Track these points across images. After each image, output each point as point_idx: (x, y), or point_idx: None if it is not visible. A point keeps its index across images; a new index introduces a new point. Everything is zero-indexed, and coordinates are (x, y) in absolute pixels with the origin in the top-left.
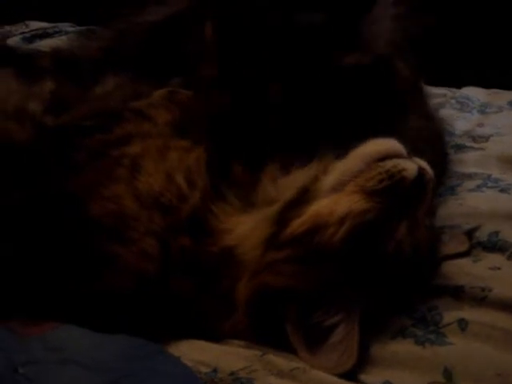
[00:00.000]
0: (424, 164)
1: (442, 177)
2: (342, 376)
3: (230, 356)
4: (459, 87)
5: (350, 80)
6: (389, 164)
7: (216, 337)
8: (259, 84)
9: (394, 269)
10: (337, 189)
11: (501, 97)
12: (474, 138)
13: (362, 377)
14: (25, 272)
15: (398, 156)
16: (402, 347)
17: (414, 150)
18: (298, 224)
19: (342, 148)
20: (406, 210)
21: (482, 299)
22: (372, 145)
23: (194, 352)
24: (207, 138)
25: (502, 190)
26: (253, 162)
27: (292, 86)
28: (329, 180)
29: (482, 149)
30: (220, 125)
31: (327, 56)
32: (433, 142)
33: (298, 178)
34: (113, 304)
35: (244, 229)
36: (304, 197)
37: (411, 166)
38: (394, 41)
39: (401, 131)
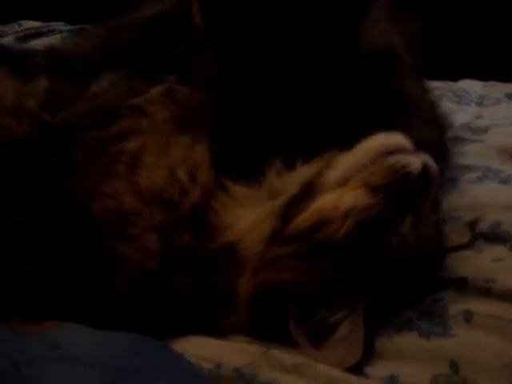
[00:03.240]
0: (428, 159)
1: (443, 169)
2: (347, 370)
3: (233, 352)
4: (454, 80)
5: (353, 74)
6: (393, 159)
7: (219, 333)
8: (262, 76)
9: (398, 263)
10: (341, 183)
11: (498, 89)
12: (473, 130)
13: (368, 370)
14: (26, 271)
15: (403, 151)
16: (408, 340)
17: (418, 143)
18: (302, 219)
19: (348, 142)
20: (411, 205)
21: (486, 290)
22: (377, 139)
23: (196, 348)
24: (209, 134)
25: (503, 181)
26: (256, 158)
27: (296, 80)
28: (333, 175)
29: (481, 141)
30: (221, 120)
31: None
32: (436, 134)
33: (302, 173)
34: (114, 301)
35: (246, 223)
36: (308, 192)
37: (415, 161)
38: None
39: (405, 124)
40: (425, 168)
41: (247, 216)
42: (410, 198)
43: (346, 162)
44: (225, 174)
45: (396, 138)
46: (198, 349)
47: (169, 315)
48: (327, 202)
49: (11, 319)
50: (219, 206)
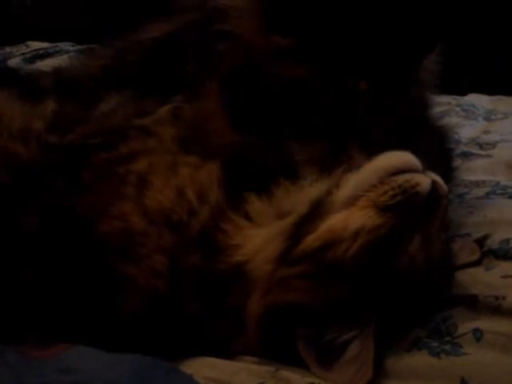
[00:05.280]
0: (437, 178)
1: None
2: None
3: (242, 373)
4: (461, 94)
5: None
6: (401, 179)
7: (228, 354)
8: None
9: (407, 283)
10: (350, 203)
11: (505, 103)
12: (481, 145)
13: None
14: (36, 294)
15: (411, 170)
16: (418, 359)
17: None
18: (311, 239)
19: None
20: (420, 224)
21: (495, 308)
22: (385, 158)
23: (206, 369)
24: (219, 154)
25: (511, 197)
26: (265, 177)
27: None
28: (342, 194)
29: (489, 156)
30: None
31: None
32: (439, 150)
33: (310, 192)
34: (124, 322)
35: (255, 243)
36: (317, 211)
37: (425, 181)
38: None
39: (413, 143)
40: (434, 187)
41: (257, 235)
42: (419, 218)
43: (354, 181)
44: (235, 191)
45: (405, 157)
46: (208, 370)
47: (178, 337)
48: (336, 221)
49: (21, 344)
50: (229, 225)
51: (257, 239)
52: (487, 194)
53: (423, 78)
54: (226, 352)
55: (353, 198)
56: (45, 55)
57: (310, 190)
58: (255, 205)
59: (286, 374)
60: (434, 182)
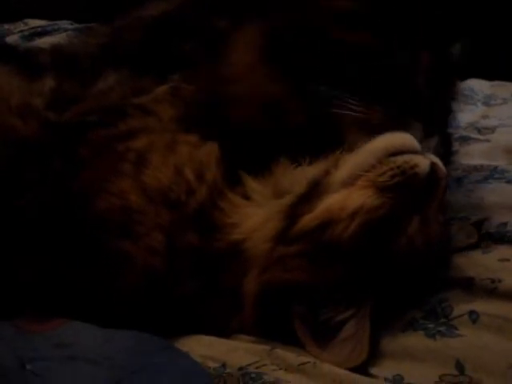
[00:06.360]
0: (437, 160)
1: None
2: (353, 370)
3: (238, 351)
4: (461, 79)
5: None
6: (400, 159)
7: (224, 332)
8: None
9: (404, 264)
10: (348, 183)
11: (505, 88)
12: (480, 130)
13: (373, 370)
14: (32, 269)
15: (410, 151)
16: (413, 340)
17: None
18: (309, 219)
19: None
20: (418, 205)
21: (492, 291)
22: (384, 139)
23: (202, 347)
24: (218, 134)
25: (509, 182)
26: (264, 157)
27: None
28: (340, 174)
29: (488, 140)
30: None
31: None
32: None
33: (308, 172)
34: (120, 299)
35: (253, 222)
36: (315, 191)
37: (423, 162)
38: None
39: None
40: (433, 169)
41: (255, 214)
42: (418, 199)
43: (353, 161)
44: (233, 170)
45: (403, 138)
46: (204, 348)
47: (174, 314)
48: (334, 201)
49: (16, 318)
50: (227, 204)
51: (254, 218)
52: (485, 178)
53: None
54: (222, 331)
55: (351, 178)
56: (43, 33)
57: (308, 169)
58: (253, 184)
59: (282, 352)
60: (432, 164)
